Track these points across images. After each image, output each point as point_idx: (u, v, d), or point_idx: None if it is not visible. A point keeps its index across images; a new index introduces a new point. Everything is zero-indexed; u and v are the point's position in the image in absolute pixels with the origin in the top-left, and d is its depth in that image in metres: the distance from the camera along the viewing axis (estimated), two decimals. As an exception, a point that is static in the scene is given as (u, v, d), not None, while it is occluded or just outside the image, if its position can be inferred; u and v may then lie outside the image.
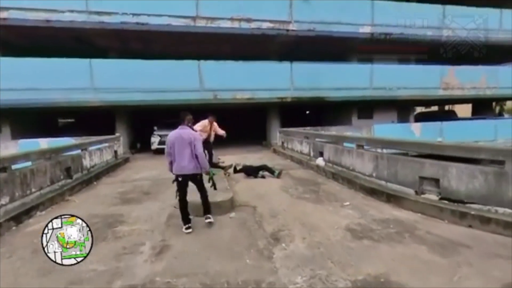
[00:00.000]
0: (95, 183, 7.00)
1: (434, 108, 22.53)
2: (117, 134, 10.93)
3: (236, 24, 11.08)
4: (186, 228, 3.71)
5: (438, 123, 14.04)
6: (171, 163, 3.83)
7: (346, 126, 13.51)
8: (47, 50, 11.35)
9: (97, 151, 8.10)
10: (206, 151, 6.93)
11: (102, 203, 5.22)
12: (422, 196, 4.34)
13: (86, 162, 7.28)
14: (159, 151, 12.44)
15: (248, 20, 11.16)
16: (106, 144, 9.06)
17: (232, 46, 13.60)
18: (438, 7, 13.12)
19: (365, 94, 12.62)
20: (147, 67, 10.58)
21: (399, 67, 13.40)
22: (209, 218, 3.95)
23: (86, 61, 10.12)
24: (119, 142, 10.58)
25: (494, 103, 18.37)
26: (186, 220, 3.78)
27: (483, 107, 18.50)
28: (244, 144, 13.96)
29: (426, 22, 12.97)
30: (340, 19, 12.00)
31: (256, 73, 11.37)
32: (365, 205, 4.61)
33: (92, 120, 16.88)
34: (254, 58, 11.86)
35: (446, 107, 20.54)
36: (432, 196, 4.24)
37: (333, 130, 11.71)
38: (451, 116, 17.82)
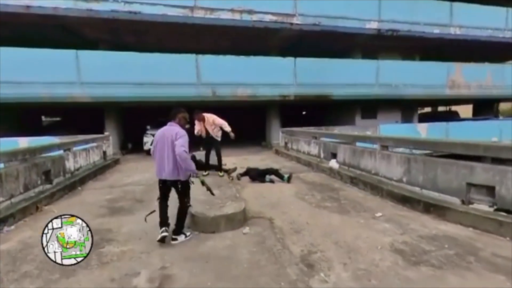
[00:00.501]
0: (79, 188, 6.12)
1: (434, 109, 22.22)
2: (106, 133, 10.01)
3: (237, 16, 10.32)
4: (161, 232, 3.18)
5: (444, 123, 13.59)
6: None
7: (350, 127, 12.92)
8: (30, 41, 10.37)
9: (83, 152, 7.20)
10: (213, 151, 6.38)
11: (86, 213, 4.37)
12: (471, 206, 3.67)
13: (70, 164, 6.40)
14: (153, 152, 11.60)
15: (250, 12, 10.41)
16: (94, 144, 8.16)
17: (231, 41, 12.83)
18: (445, 4, 12.65)
19: (371, 92, 12.03)
20: (140, 59, 9.71)
21: (405, 64, 12.89)
22: (176, 239, 3.25)
23: (72, 52, 9.19)
24: (109, 141, 9.67)
25: (495, 104, 18.08)
26: (162, 223, 3.26)
27: (485, 107, 18.23)
28: (242, 145, 13.18)
29: (433, 19, 12.49)
30: (346, 13, 11.39)
31: (257, 69, 10.63)
32: (400, 216, 3.92)
33: (80, 118, 15.86)
34: (254, 54, 11.11)
35: (444, 108, 20.26)
36: (483, 207, 3.57)
37: (337, 130, 11.07)
38: (454, 116, 17.47)
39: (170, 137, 3.11)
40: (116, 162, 9.35)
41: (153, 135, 11.61)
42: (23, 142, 8.71)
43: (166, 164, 3.13)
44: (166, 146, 3.13)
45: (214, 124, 6.25)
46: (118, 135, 12.10)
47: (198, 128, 6.35)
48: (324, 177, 6.56)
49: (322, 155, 7.55)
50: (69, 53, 9.18)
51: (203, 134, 6.37)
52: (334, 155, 6.92)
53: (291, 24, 10.92)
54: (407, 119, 14.79)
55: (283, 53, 12.18)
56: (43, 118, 16.60)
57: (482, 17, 13.06)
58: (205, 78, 10.17)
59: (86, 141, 7.57)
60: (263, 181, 6.16)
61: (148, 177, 7.14)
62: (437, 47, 14.20)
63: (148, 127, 12.28)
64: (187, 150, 3.08)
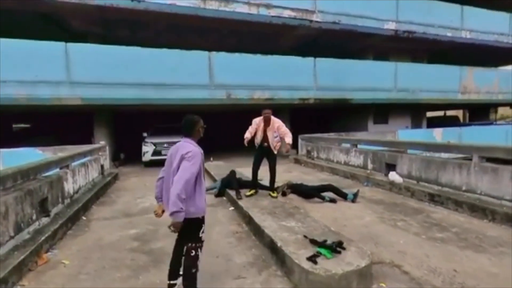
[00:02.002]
0: (84, 218, 4.61)
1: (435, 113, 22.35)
2: (101, 143, 8.35)
3: (254, 10, 9.21)
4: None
5: (457, 128, 13.34)
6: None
7: (363, 132, 12.22)
8: (3, 33, 8.51)
9: (82, 168, 5.63)
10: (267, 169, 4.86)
11: (115, 266, 2.98)
12: None
13: (69, 186, 4.84)
14: (154, 163, 10.05)
15: (268, 6, 9.35)
16: (91, 157, 6.57)
17: (238, 39, 11.70)
18: (457, 7, 12.45)
19: (390, 97, 11.40)
20: (144, 56, 8.24)
21: (421, 67, 12.47)
22: None
23: (60, 45, 7.53)
24: (105, 153, 8.03)
25: (493, 109, 18.43)
26: (170, 273, 2.25)
27: (480, 112, 18.53)
28: (250, 153, 11.94)
29: (445, 22, 12.21)
30: (365, 13, 10.71)
31: (276, 69, 9.54)
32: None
33: (56, 125, 13.70)
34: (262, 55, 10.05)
35: (441, 113, 20.49)
36: None
37: (359, 136, 10.25)
38: (455, 121, 17.50)
39: (178, 159, 2.11)
40: (115, 177, 7.74)
41: (154, 144, 10.12)
42: (-5, 156, 6.91)
43: (167, 193, 2.23)
44: (172, 170, 2.15)
45: (278, 131, 4.80)
46: (110, 144, 10.38)
47: (253, 130, 4.85)
48: (386, 193, 5.56)
49: (370, 166, 6.57)
50: (57, 46, 7.51)
51: (257, 140, 4.90)
52: (390, 167, 5.96)
53: (311, 21, 10.01)
54: (416, 124, 14.41)
55: (294, 55, 11.25)
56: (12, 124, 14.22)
57: (489, 21, 13.04)
58: (219, 79, 8.90)
59: (84, 154, 5.99)
60: (321, 198, 5.04)
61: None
62: (447, 50, 14.03)
63: (145, 134, 10.72)
64: (187, 189, 2.03)
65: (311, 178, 7.30)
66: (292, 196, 5.41)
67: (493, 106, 17.84)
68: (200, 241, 2.31)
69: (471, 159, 4.79)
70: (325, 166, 8.03)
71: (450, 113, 21.27)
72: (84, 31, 9.71)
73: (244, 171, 6.70)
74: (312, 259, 2.46)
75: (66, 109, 9.28)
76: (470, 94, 13.14)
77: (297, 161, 9.79)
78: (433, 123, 16.76)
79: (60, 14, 8.66)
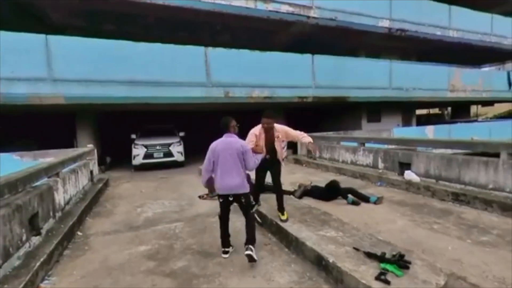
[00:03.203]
0: (80, 233, 3.99)
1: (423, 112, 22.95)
2: (89, 146, 7.58)
3: (251, 4, 8.80)
4: (223, 253, 3.13)
5: (447, 125, 13.71)
6: (210, 180, 3.12)
7: (360, 131, 12.20)
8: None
9: (72, 175, 4.96)
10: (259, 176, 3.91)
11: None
12: None
13: (59, 197, 4.19)
14: (144, 167, 9.37)
15: (265, 0, 8.97)
16: (81, 163, 5.86)
17: (231, 35, 11.24)
18: (445, 7, 12.73)
19: (385, 95, 11.38)
20: (134, 50, 7.57)
21: (414, 66, 12.57)
22: (251, 249, 2.86)
23: (39, 37, 6.71)
24: (94, 157, 7.29)
25: (477, 107, 19.19)
26: (225, 243, 3.17)
27: (461, 110, 19.25)
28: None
29: (435, 21, 12.45)
30: (361, 10, 10.63)
31: (275, 66, 9.16)
32: None
33: (30, 127, 12.49)
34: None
35: (428, 111, 21.15)
36: None
37: (356, 134, 10.15)
38: (440, 119, 18.04)
39: (236, 150, 2.96)
40: (106, 184, 7.03)
41: (145, 146, 9.41)
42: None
43: (234, 178, 2.95)
44: (232, 159, 2.95)
45: (287, 136, 3.85)
46: (95, 147, 9.55)
47: (254, 139, 3.58)
48: (404, 193, 5.34)
49: (381, 166, 6.37)
50: (36, 38, 6.68)
51: (262, 151, 3.52)
52: (404, 166, 5.78)
53: (308, 17, 9.77)
54: (407, 122, 14.64)
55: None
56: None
57: (474, 21, 13.48)
58: (216, 76, 8.38)
59: (74, 159, 5.29)
60: (345, 198, 4.74)
61: (173, 205, 5.20)
62: (435, 49, 14.34)
63: (133, 136, 9.99)
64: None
65: (318, 179, 6.99)
66: (305, 199, 5.06)
67: (478, 103, 18.59)
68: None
69: (478, 155, 4.70)
70: (329, 166, 7.77)
71: (430, 111, 22.00)
72: (65, 25, 8.85)
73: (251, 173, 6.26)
74: (382, 278, 2.10)
75: (45, 110, 8.38)
76: (458, 92, 13.49)
77: (297, 162, 9.48)
78: (420, 121, 17.19)
79: (38, 4, 7.79)
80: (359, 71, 10.74)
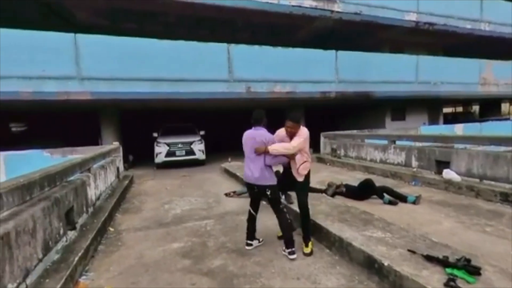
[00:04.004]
0: (111, 229, 3.96)
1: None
2: (115, 143, 7.67)
3: (273, -1, 8.62)
4: (246, 245, 3.14)
5: (477, 124, 13.01)
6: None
7: (381, 130, 11.76)
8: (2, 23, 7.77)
9: (101, 171, 4.98)
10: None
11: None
12: None
13: (91, 192, 4.19)
14: (167, 165, 9.40)
15: (288, -5, 8.78)
16: (109, 159, 5.90)
17: (251, 32, 11.11)
18: (476, -2, 12.05)
19: (411, 90, 10.91)
20: (158, 48, 7.61)
21: (442, 60, 11.99)
22: (292, 253, 2.86)
23: (68, 36, 6.84)
24: (119, 154, 7.36)
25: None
26: (249, 235, 3.15)
27: (491, 108, 18.21)
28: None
29: (465, 13, 11.80)
30: (386, 3, 10.22)
31: (297, 62, 8.98)
32: None
33: (57, 125, 12.87)
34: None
35: (453, 109, 20.19)
36: None
37: (381, 131, 9.75)
38: (469, 117, 17.18)
39: (259, 142, 2.93)
40: (131, 181, 7.08)
41: (167, 145, 9.45)
42: (-2, 159, 6.22)
43: (255, 168, 2.94)
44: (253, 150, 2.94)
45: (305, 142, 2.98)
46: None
47: (278, 145, 2.94)
48: (443, 193, 5.01)
49: (415, 164, 6.03)
50: (64, 37, 6.83)
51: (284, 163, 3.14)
52: (441, 164, 5.43)
53: (332, 11, 9.49)
54: (433, 120, 14.00)
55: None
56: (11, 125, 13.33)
57: (508, 14, 12.68)
58: (238, 72, 8.30)
59: (103, 156, 5.32)
60: (381, 197, 4.49)
61: (200, 203, 5.12)
62: (463, 43, 13.64)
63: (155, 134, 10.05)
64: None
65: (346, 178, 6.73)
66: (337, 198, 4.84)
67: (510, 99, 17.54)
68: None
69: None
70: (356, 165, 7.48)
71: (456, 110, 20.99)
72: (90, 24, 9.01)
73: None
74: (452, 285, 1.88)
75: (72, 106, 8.58)
76: (489, 86, 12.75)
77: (320, 160, 9.23)
78: (448, 119, 16.43)
79: (65, 4, 7.96)
80: (384, 65, 10.34)
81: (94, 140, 10.19)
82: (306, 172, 3.05)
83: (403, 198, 4.51)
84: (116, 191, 5.51)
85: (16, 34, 6.41)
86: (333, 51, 9.50)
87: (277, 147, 2.89)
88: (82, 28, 9.04)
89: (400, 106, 12.67)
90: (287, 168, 3.18)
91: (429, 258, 2.24)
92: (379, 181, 5.97)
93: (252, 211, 3.16)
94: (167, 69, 7.67)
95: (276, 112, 12.59)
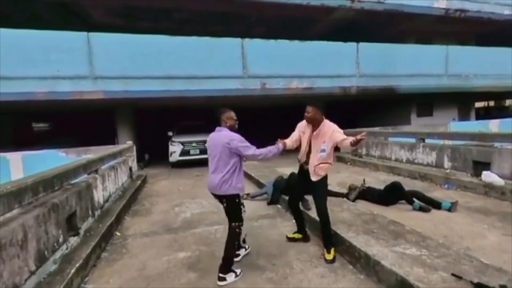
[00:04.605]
0: (118, 234, 3.77)
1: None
2: (128, 143, 7.61)
3: (289, -10, 8.18)
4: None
5: (515, 119, 11.85)
6: None
7: (406, 126, 10.99)
8: (18, 24, 7.89)
9: (111, 172, 4.84)
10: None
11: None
12: None
13: (99, 195, 4.03)
14: (181, 164, 9.27)
15: (305, -15, 8.31)
16: (120, 159, 5.78)
17: (269, 27, 10.74)
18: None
19: (440, 83, 10.08)
20: (170, 44, 7.42)
21: (474, 51, 10.97)
22: (222, 279, 2.43)
23: (81, 35, 6.80)
24: (133, 154, 7.28)
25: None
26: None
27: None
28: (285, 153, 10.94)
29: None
30: (410, -10, 9.46)
31: (315, 56, 8.50)
32: None
33: (75, 124, 13.19)
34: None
35: (485, 103, 18.74)
36: None
37: (407, 128, 9.05)
38: (504, 111, 15.85)
39: (220, 144, 2.51)
40: (144, 181, 6.97)
41: (182, 143, 9.31)
42: (15, 159, 6.28)
43: (214, 175, 2.55)
44: (214, 154, 2.55)
45: (331, 138, 2.70)
46: (134, 144, 9.70)
47: (296, 138, 2.94)
48: (482, 198, 4.43)
49: (448, 165, 5.44)
50: (78, 36, 6.79)
51: (299, 156, 2.98)
52: (479, 165, 4.82)
53: (352, 1, 8.89)
54: (463, 116, 12.96)
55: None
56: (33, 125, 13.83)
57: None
58: (253, 68, 7.96)
59: (113, 156, 5.19)
60: (410, 203, 4.01)
61: (211, 205, 4.85)
62: (498, 31, 12.48)
63: (170, 133, 9.94)
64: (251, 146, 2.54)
65: (368, 179, 6.21)
66: (359, 202, 4.40)
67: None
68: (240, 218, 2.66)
69: None
70: (380, 165, 6.94)
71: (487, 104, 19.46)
72: (105, 23, 9.01)
73: (287, 171, 5.71)
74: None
75: (88, 105, 8.62)
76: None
77: (340, 160, 8.72)
78: (479, 114, 15.23)
79: (82, 4, 7.97)
80: (409, 58, 9.60)
81: (111, 139, 10.27)
82: (324, 173, 2.80)
83: (436, 204, 4.00)
84: (127, 192, 5.37)
85: (31, 34, 6.43)
86: (354, 43, 8.91)
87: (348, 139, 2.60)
88: (97, 28, 9.05)
89: (427, 101, 11.80)
90: (303, 165, 2.91)
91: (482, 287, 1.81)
92: (406, 183, 5.43)
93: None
94: (179, 67, 7.47)
95: (292, 110, 12.22)
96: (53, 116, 12.64)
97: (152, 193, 6.11)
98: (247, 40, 7.86)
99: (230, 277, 2.48)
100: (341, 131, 2.76)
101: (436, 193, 4.79)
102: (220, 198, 2.61)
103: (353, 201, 4.30)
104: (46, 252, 2.44)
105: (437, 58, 9.97)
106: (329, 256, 2.71)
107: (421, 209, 3.94)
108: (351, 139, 2.55)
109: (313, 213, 3.52)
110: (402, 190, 4.19)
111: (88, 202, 3.59)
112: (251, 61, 7.91)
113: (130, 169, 6.59)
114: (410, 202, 4.04)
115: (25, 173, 6.23)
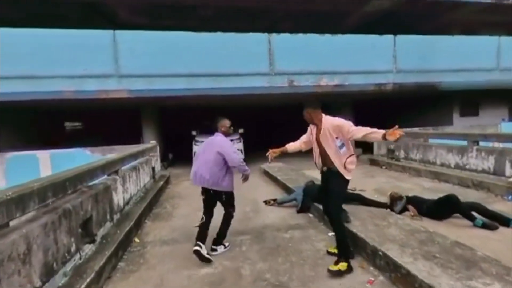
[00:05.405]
0: (137, 240, 3.52)
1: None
2: (152, 142, 7.50)
3: (320, -20, 7.64)
4: (195, 245, 2.84)
5: None
6: None
7: (451, 126, 9.97)
8: (45, 23, 8.07)
9: (132, 173, 4.64)
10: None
11: None
12: None
13: (118, 197, 3.82)
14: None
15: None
16: (143, 159, 5.61)
17: (296, 23, 10.22)
18: None
19: (490, 79, 8.98)
20: (195, 42, 7.19)
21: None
22: (215, 250, 3.02)
23: (107, 33, 6.76)
24: (156, 154, 7.14)
25: None
26: (200, 237, 2.91)
27: None
28: (310, 153, 10.39)
29: None
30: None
31: (347, 51, 7.88)
32: None
33: (105, 123, 13.53)
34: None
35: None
36: None
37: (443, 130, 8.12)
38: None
39: (217, 146, 2.95)
40: (167, 181, 6.80)
41: (205, 143, 9.12)
42: (44, 157, 6.34)
43: (207, 172, 2.92)
44: (208, 154, 2.98)
45: (342, 133, 2.54)
46: (158, 143, 9.65)
47: (307, 140, 2.96)
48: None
49: (509, 172, 4.64)
50: (103, 34, 6.76)
51: (315, 161, 2.85)
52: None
53: (389, -10, 8.14)
54: (515, 115, 11.55)
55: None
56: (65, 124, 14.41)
57: None
58: (280, 65, 7.52)
59: (135, 156, 5.00)
60: (471, 219, 3.35)
61: (236, 211, 4.44)
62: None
63: (194, 132, 9.76)
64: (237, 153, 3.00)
65: (409, 186, 5.57)
66: (405, 215, 3.79)
67: None
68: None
69: None
70: (422, 170, 6.20)
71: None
72: (130, 23, 9.00)
73: (314, 174, 5.20)
74: None
75: (114, 105, 8.67)
76: None
77: (373, 163, 8.02)
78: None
79: (109, 4, 8.00)
80: (454, 51, 8.62)
81: (137, 139, 10.33)
82: (353, 167, 2.66)
83: (503, 220, 3.33)
84: (149, 193, 5.17)
85: (59, 33, 6.49)
86: (391, 36, 8.16)
87: (377, 132, 2.46)
88: (123, 27, 9.10)
89: (473, 99, 10.63)
90: (322, 172, 2.76)
91: None
92: (457, 192, 4.69)
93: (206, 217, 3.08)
94: (204, 64, 7.23)
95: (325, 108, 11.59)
96: (83, 116, 13.05)
97: (174, 194, 5.89)
98: (274, 35, 7.45)
99: (220, 248, 3.06)
100: (350, 123, 2.58)
101: (497, 206, 4.05)
102: (215, 192, 3.01)
103: (399, 213, 3.72)
104: (55, 264, 2.19)
105: (487, 51, 8.88)
106: (333, 267, 2.46)
107: (484, 226, 3.28)
108: (381, 132, 2.37)
109: (353, 227, 3.03)
110: (458, 203, 3.54)
111: (106, 205, 3.36)
112: (278, 57, 7.48)
113: (153, 169, 6.43)
114: (470, 218, 3.38)
115: (53, 170, 6.28)
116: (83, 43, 6.56)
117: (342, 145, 2.59)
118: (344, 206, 3.43)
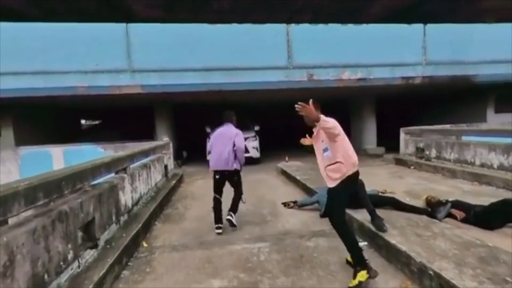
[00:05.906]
0: (145, 245, 3.22)
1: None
2: (165, 139, 7.27)
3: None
4: (217, 228, 3.43)
5: None
6: None
7: (482, 124, 9.11)
8: (58, 16, 7.99)
9: (143, 171, 4.37)
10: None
11: None
12: None
13: (126, 197, 3.53)
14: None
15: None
16: (154, 157, 5.34)
17: (315, 14, 9.73)
18: None
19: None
20: (209, 34, 6.87)
21: None
22: (231, 216, 3.49)
23: (120, 26, 6.56)
24: (169, 151, 6.89)
25: None
26: (217, 219, 3.48)
27: None
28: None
29: None
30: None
31: (371, 42, 7.31)
32: None
33: (121, 120, 13.59)
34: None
35: None
36: None
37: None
38: None
39: (230, 135, 3.52)
40: (180, 180, 6.53)
41: (219, 141, 8.83)
42: (57, 153, 6.24)
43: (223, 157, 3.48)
44: (226, 142, 3.51)
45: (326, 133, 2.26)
46: (171, 140, 9.44)
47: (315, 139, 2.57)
48: None
49: None
50: (115, 28, 6.56)
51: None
52: None
53: (419, -26, 7.47)
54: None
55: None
56: (81, 120, 14.60)
57: None
58: (299, 57, 7.07)
59: (146, 153, 4.73)
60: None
61: (253, 214, 4.12)
62: None
63: (208, 129, 9.48)
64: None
65: (447, 189, 4.98)
66: (448, 221, 3.27)
67: None
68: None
69: None
70: (458, 171, 5.57)
71: None
72: (146, 15, 8.83)
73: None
74: None
75: (127, 100, 8.51)
76: None
77: (400, 162, 7.41)
78: None
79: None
80: (491, 41, 7.82)
81: (150, 135, 10.19)
82: (338, 176, 2.27)
83: None
84: (160, 192, 4.91)
85: (71, 28, 6.35)
86: (420, 25, 7.51)
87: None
88: (138, 20, 8.93)
89: (510, 94, 9.71)
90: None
91: None
92: (503, 197, 4.11)
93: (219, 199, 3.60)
94: (218, 57, 6.90)
95: (341, 104, 11.01)
96: (98, 112, 13.10)
97: (187, 194, 5.60)
98: (292, 25, 7.00)
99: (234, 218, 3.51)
100: (330, 121, 2.18)
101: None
102: (229, 173, 3.54)
103: (441, 220, 3.21)
104: (46, 276, 1.89)
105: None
106: (353, 283, 2.11)
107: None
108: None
109: (391, 237, 2.58)
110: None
111: (112, 206, 3.08)
112: (297, 49, 7.03)
113: (166, 167, 6.18)
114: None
115: (66, 165, 6.20)
116: (96, 36, 6.39)
117: (326, 149, 2.33)
118: (377, 212, 2.99)
